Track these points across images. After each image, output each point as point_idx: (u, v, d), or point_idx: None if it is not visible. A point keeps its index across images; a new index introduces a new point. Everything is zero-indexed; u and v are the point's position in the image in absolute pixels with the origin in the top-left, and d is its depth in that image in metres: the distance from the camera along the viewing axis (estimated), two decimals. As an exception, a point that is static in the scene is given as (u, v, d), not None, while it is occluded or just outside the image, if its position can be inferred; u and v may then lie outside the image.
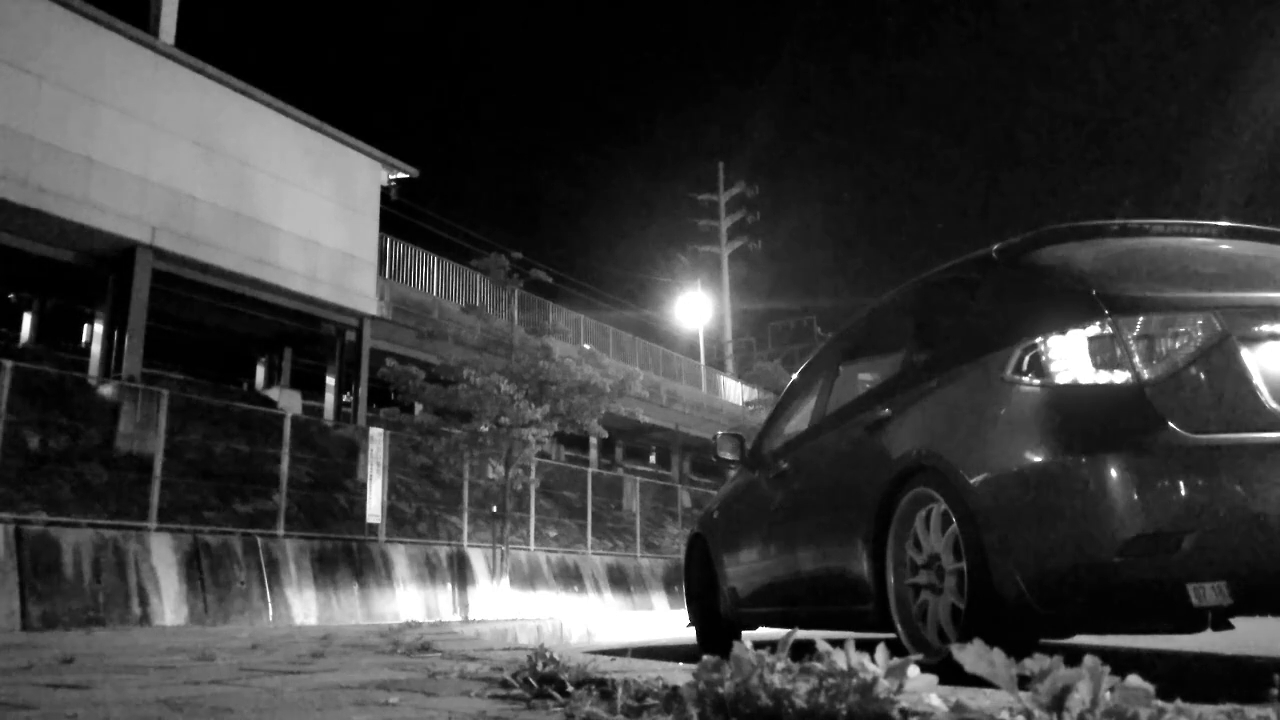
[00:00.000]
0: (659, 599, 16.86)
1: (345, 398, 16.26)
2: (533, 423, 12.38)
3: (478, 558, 13.37)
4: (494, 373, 12.35)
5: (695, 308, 34.92)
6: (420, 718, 1.70)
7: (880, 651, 1.28)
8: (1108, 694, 1.05)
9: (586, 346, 18.90)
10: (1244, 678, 3.52)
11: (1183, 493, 2.30)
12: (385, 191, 16.95)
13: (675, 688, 1.59)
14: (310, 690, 2.20)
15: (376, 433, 12.95)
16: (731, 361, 35.84)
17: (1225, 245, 3.18)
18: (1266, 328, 2.48)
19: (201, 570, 9.55)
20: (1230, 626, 2.41)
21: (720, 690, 1.35)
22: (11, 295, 15.73)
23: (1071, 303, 2.66)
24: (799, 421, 4.48)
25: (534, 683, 1.98)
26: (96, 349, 13.18)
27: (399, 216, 19.29)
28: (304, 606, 10.34)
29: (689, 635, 5.78)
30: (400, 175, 17.14)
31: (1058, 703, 1.05)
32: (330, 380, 16.25)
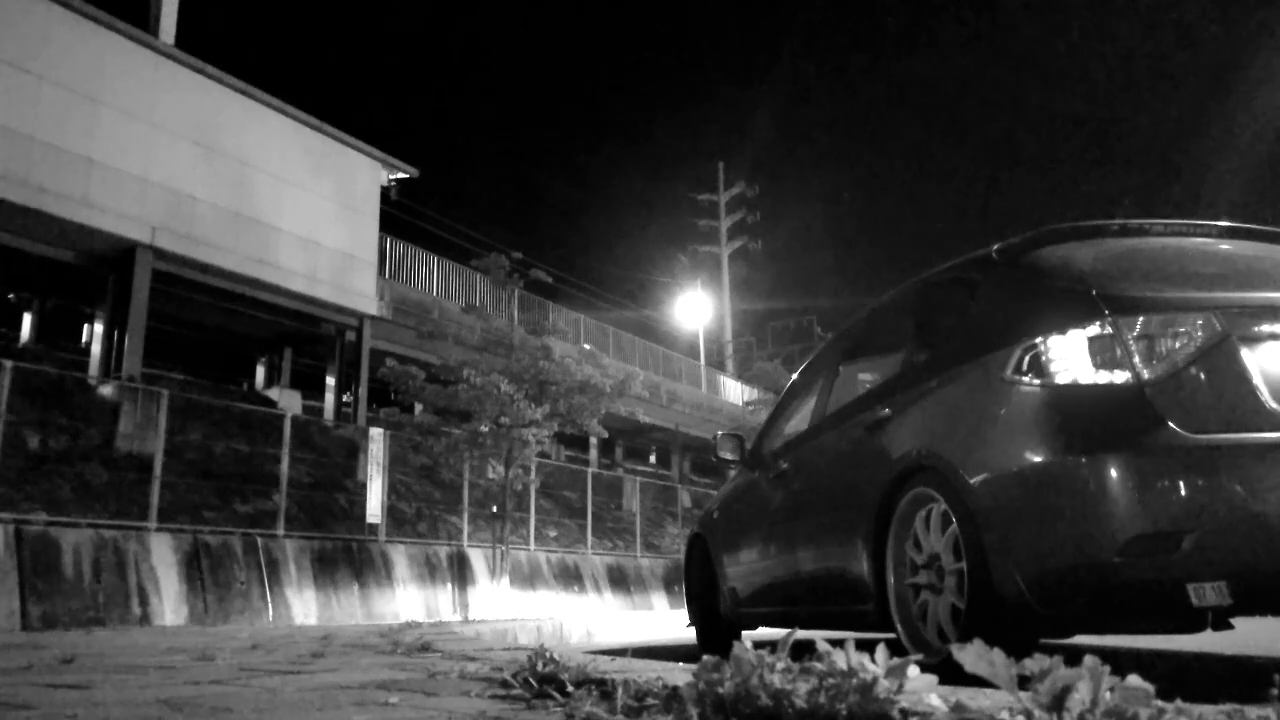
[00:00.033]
0: (659, 599, 16.86)
1: (345, 398, 16.26)
2: (533, 423, 12.39)
3: (478, 558, 13.37)
4: (494, 373, 12.35)
5: (695, 308, 34.92)
6: (420, 718, 1.70)
7: (880, 651, 1.28)
8: (1108, 694, 1.05)
9: (586, 346, 18.89)
10: (1244, 678, 3.52)
11: (1183, 493, 2.30)
12: (385, 191, 16.95)
13: (675, 688, 1.59)
14: (310, 690, 2.20)
15: (376, 433, 12.95)
16: (731, 361, 35.84)
17: (1225, 245, 3.18)
18: (1266, 328, 2.48)
19: (201, 570, 9.55)
20: (1230, 626, 2.41)
21: (720, 690, 1.35)
22: (11, 295, 15.73)
23: (1071, 303, 2.66)
24: (799, 421, 4.48)
25: (534, 683, 1.98)
26: (96, 349, 13.18)
27: (399, 216, 19.31)
28: (304, 606, 10.34)
29: (689, 635, 5.78)
30: (400, 175, 17.15)
31: (1058, 703, 1.05)
32: (330, 380, 16.25)
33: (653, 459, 28.82)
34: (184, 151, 13.24)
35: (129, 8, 13.15)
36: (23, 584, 8.06)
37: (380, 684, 2.33)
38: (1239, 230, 3.20)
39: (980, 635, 1.20)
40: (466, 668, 2.70)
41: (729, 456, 5.10)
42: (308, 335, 16.25)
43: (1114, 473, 2.36)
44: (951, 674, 1.47)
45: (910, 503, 3.05)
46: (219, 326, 16.06)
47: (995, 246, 3.26)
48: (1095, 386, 2.50)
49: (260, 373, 17.87)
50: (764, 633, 3.67)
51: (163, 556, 9.31)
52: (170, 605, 9.03)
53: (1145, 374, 2.45)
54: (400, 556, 12.13)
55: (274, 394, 16.24)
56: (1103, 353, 2.51)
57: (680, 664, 2.69)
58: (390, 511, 12.75)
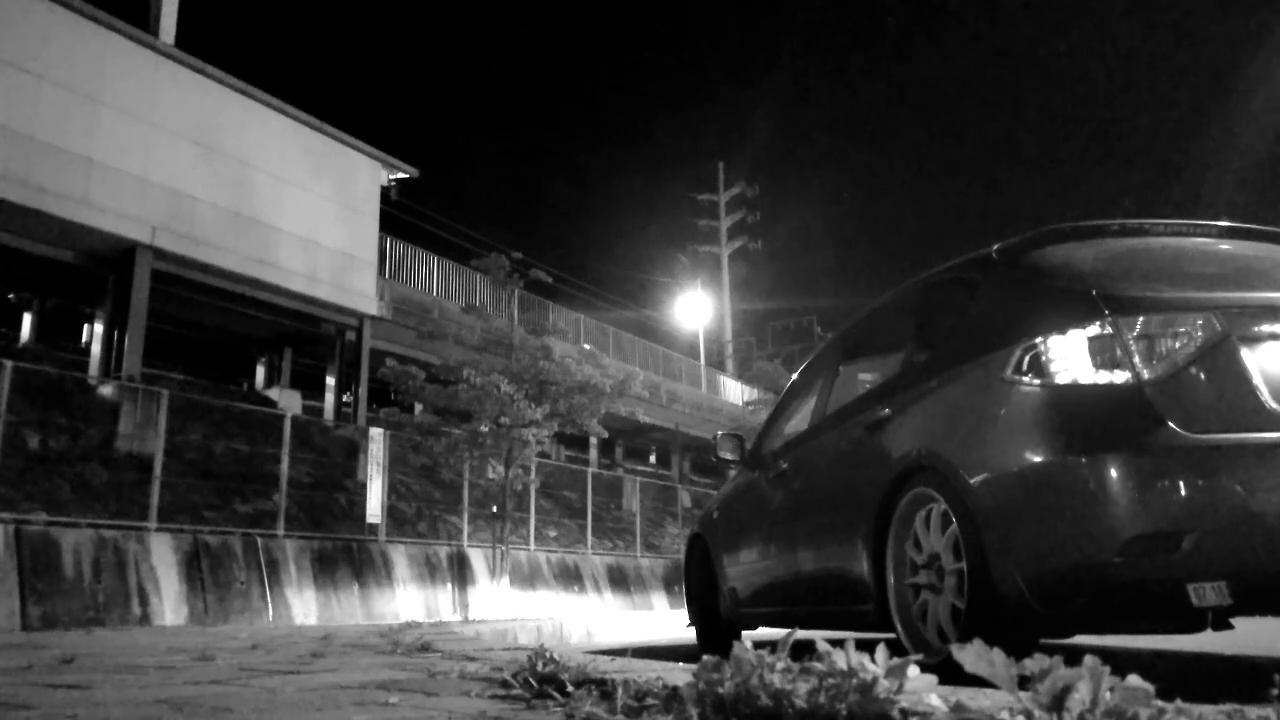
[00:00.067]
0: (659, 599, 16.86)
1: (345, 398, 16.26)
2: (533, 423, 12.39)
3: (478, 558, 13.37)
4: (494, 373, 12.35)
5: (695, 308, 34.91)
6: (420, 718, 1.70)
7: (880, 651, 1.28)
8: (1108, 694, 1.05)
9: (586, 346, 18.89)
10: (1244, 678, 3.52)
11: (1183, 493, 2.30)
12: (385, 191, 16.95)
13: (675, 688, 1.59)
14: (310, 690, 2.20)
15: (376, 433, 12.95)
16: (731, 361, 35.84)
17: (1225, 245, 3.18)
18: (1266, 328, 2.48)
19: (201, 570, 9.55)
20: (1230, 626, 2.42)
21: (720, 690, 1.35)
22: (11, 295, 15.73)
23: (1071, 303, 2.66)
24: (799, 421, 4.48)
25: (534, 683, 1.98)
26: (96, 349, 13.18)
27: (399, 216, 19.30)
28: (304, 606, 10.34)
29: (689, 635, 5.78)
30: (400, 175, 17.15)
31: (1058, 703, 1.05)
32: (330, 380, 16.25)
33: (653, 459, 28.82)
34: (184, 151, 13.24)
35: (129, 8, 13.17)
36: (23, 584, 8.06)
37: (380, 684, 2.33)
38: (1239, 230, 3.20)
39: (980, 635, 1.20)
40: (466, 668, 2.70)
41: (729, 456, 5.10)
42: (308, 335, 16.25)
43: (1114, 473, 2.36)
44: (951, 674, 1.47)
45: (910, 503, 3.05)
46: (219, 326, 16.06)
47: (995, 246, 3.26)
48: (1095, 386, 2.50)
49: (260, 373, 17.87)
50: (764, 633, 3.67)
51: (163, 556, 9.31)
52: (170, 605, 9.03)
53: (1145, 374, 2.45)
54: (400, 556, 12.13)
55: (274, 394, 16.24)
56: (1103, 353, 2.51)
57: (680, 664, 2.69)
58: (390, 511, 12.75)
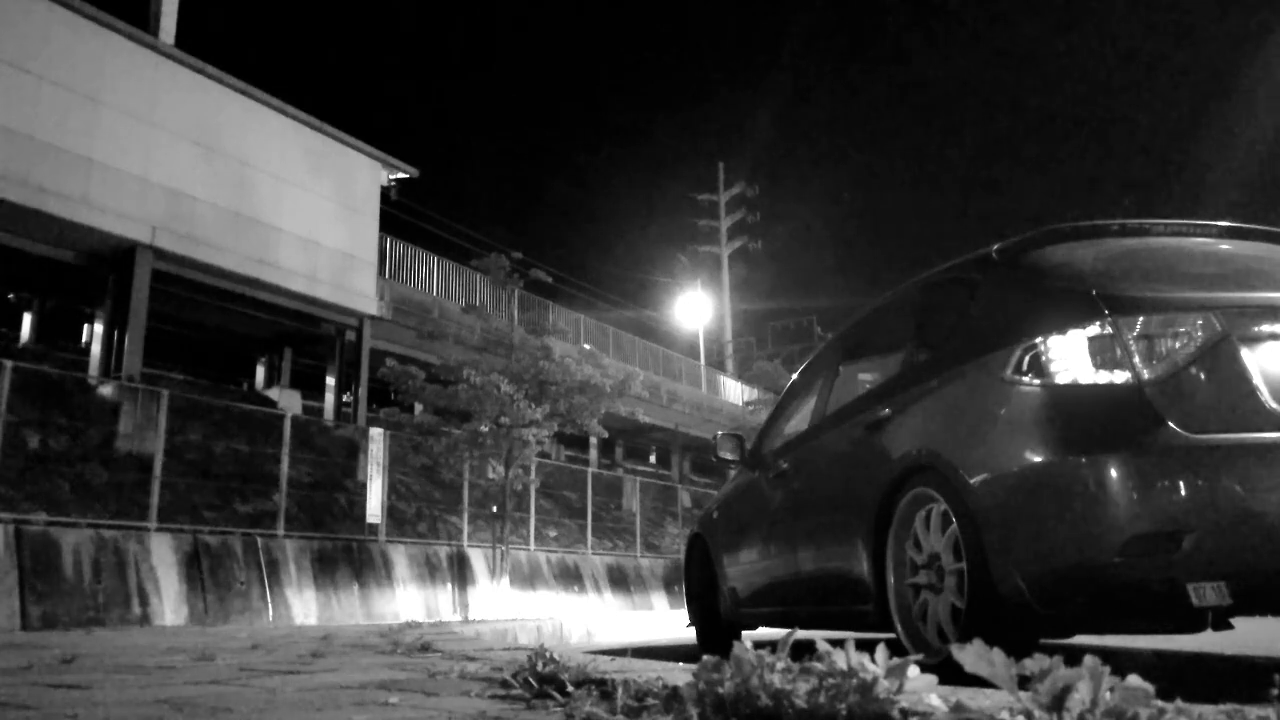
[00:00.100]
0: (659, 599, 16.86)
1: (345, 398, 16.26)
2: (533, 423, 12.39)
3: (478, 558, 13.37)
4: (494, 373, 12.35)
5: (695, 308, 34.91)
6: (420, 718, 1.70)
7: (880, 651, 1.28)
8: (1108, 694, 1.05)
9: (586, 346, 18.89)
10: (1244, 678, 3.52)
11: (1182, 493, 2.30)
12: (385, 191, 16.95)
13: (675, 688, 1.59)
14: (310, 690, 2.20)
15: (376, 433, 12.95)
16: (731, 361, 35.83)
17: (1225, 245, 3.18)
18: (1266, 328, 2.48)
19: (201, 570, 9.55)
20: (1230, 626, 2.41)
21: (720, 690, 1.35)
22: (11, 295, 15.74)
23: (1071, 303, 2.66)
24: (799, 421, 4.48)
25: (534, 683, 1.98)
26: (96, 349, 13.18)
27: (399, 216, 19.30)
28: (304, 606, 10.34)
29: (689, 635, 5.78)
30: (400, 175, 17.15)
31: (1058, 703, 1.05)
32: (330, 380, 16.25)
33: (653, 459, 28.82)
34: (184, 151, 13.24)
35: (129, 8, 13.17)
36: (23, 584, 8.06)
37: (380, 684, 2.33)
38: (1239, 230, 3.20)
39: (980, 635, 1.20)
40: (466, 668, 2.70)
41: (729, 456, 5.10)
42: (308, 335, 16.25)
43: (1114, 473, 2.36)
44: (951, 674, 1.47)
45: (910, 503, 3.05)
46: (219, 326, 16.06)
47: (995, 246, 3.26)
48: (1095, 386, 2.50)
49: (260, 373, 17.88)
50: (764, 633, 3.67)
51: (163, 557, 9.31)
52: (170, 605, 9.03)
53: (1145, 374, 2.45)
54: (400, 556, 12.13)
55: (274, 394, 16.24)
56: (1103, 353, 2.51)
57: (680, 664, 2.69)
58: (390, 511, 12.75)
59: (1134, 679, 1.07)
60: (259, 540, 10.44)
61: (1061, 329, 2.59)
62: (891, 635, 2.97)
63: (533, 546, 14.84)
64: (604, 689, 1.80)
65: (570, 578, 15.07)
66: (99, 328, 13.33)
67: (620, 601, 15.80)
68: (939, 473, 2.86)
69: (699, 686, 1.40)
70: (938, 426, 2.99)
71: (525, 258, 13.96)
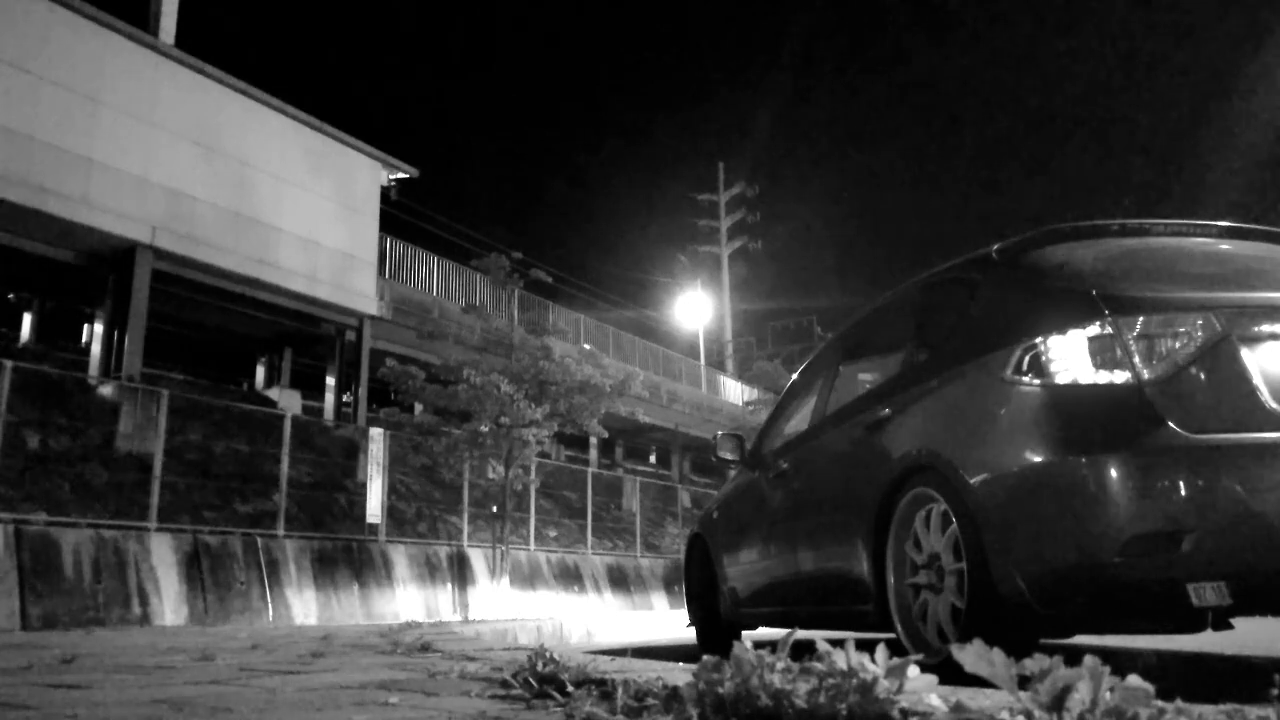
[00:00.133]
0: (659, 599, 16.86)
1: (345, 398, 16.26)
2: (533, 423, 12.39)
3: (478, 558, 13.37)
4: (494, 373, 12.35)
5: (695, 308, 34.91)
6: (420, 718, 1.70)
7: (880, 651, 1.28)
8: (1108, 694, 1.05)
9: (586, 346, 18.89)
10: (1244, 678, 3.52)
11: (1182, 493, 2.30)
12: (385, 191, 16.95)
13: (675, 688, 1.59)
14: (310, 690, 2.20)
15: (376, 433, 12.95)
16: (731, 361, 35.83)
17: (1225, 245, 3.18)
18: (1266, 328, 2.48)
19: (201, 570, 9.55)
20: (1230, 626, 2.42)
21: (720, 690, 1.35)
22: (11, 295, 15.74)
23: (1071, 303, 2.66)
24: (799, 421, 4.48)
25: (534, 683, 1.97)
26: (96, 349, 13.18)
27: (399, 216, 19.30)
28: (304, 606, 10.34)
29: (689, 635, 5.78)
30: (400, 175, 17.15)
31: (1058, 703, 1.05)
32: (330, 380, 16.25)
33: (653, 459, 28.82)
34: (184, 151, 13.24)
35: (129, 8, 13.17)
36: (23, 584, 8.06)
37: (380, 684, 2.33)
38: (1239, 230, 3.20)
39: (980, 635, 1.20)
40: (466, 668, 2.70)
41: (729, 456, 5.10)
42: (308, 335, 16.25)
43: (1114, 473, 2.36)
44: (951, 674, 1.47)
45: (910, 503, 3.05)
46: (219, 326, 16.06)
47: (995, 246, 3.26)
48: (1095, 386, 2.50)
49: (260, 373, 17.87)
50: (764, 633, 3.67)
51: (163, 557, 9.31)
52: (170, 605, 9.03)
53: (1145, 374, 2.45)
54: (400, 556, 12.13)
55: (274, 394, 16.24)
56: (1103, 353, 2.51)
57: (680, 664, 2.69)
58: (390, 511, 12.75)
59: (1134, 679, 1.07)
60: (259, 540, 10.44)
61: (1061, 329, 2.59)
62: (891, 635, 2.97)
63: (533, 546, 14.84)
64: (604, 689, 1.80)
65: (570, 578, 15.07)
66: (99, 328, 13.34)
67: (620, 601, 15.80)
68: (939, 473, 2.86)
69: (699, 686, 1.40)
70: (938, 426, 2.99)
71: (525, 258, 13.99)
